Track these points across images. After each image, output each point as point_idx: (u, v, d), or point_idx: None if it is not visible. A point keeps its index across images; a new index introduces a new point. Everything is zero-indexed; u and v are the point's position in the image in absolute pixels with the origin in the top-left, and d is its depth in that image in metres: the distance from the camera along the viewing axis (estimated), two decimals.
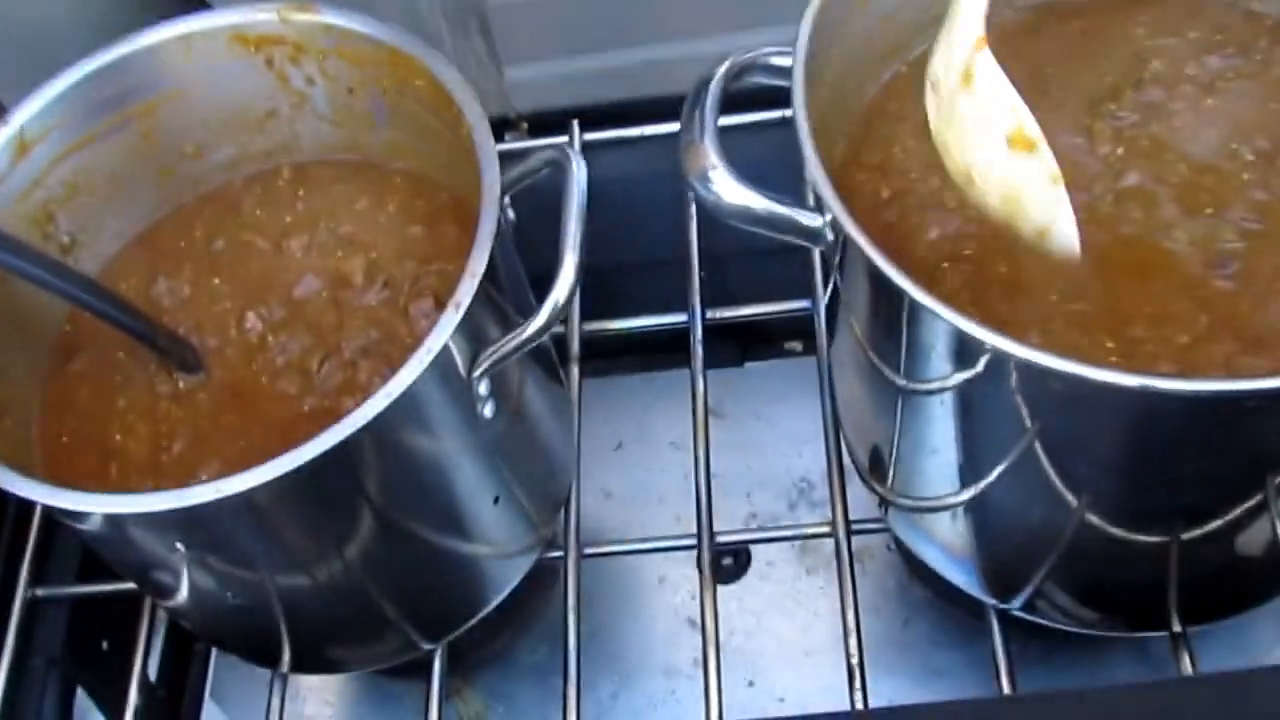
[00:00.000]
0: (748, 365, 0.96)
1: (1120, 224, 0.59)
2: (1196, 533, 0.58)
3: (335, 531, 0.59)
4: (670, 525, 0.89)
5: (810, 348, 0.94)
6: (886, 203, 0.60)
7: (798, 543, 0.88)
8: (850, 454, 0.72)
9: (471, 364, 0.58)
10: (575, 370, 0.78)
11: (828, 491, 0.87)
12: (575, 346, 0.79)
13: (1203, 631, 0.66)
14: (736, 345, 0.96)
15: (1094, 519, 0.58)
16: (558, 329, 0.79)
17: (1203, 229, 0.59)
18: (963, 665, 0.81)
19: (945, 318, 0.49)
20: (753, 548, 0.88)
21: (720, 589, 0.76)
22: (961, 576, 0.67)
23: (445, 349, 0.54)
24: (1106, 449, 0.55)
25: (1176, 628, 0.65)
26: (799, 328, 0.94)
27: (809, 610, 0.85)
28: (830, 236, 0.55)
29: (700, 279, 0.81)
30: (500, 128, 0.91)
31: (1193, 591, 0.63)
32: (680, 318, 0.80)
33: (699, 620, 0.84)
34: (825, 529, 0.73)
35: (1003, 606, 0.67)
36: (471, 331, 0.56)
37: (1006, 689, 0.67)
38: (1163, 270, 0.58)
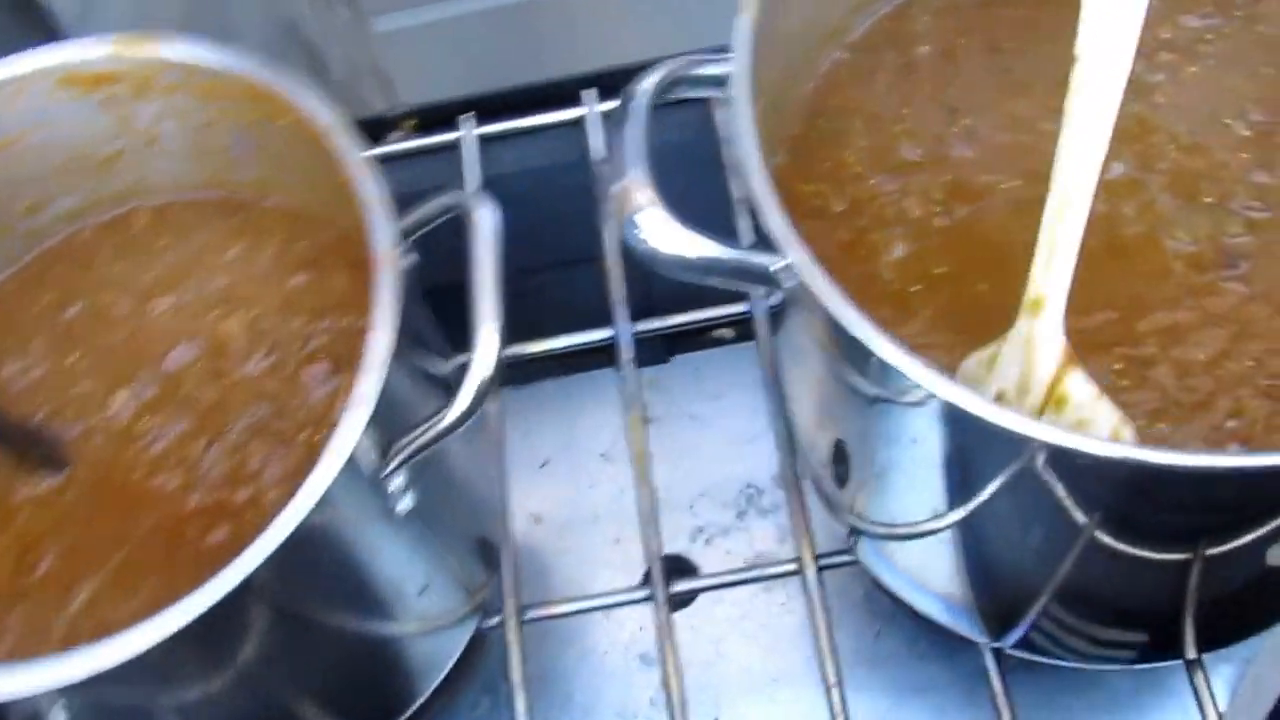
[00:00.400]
0: (675, 359, 0.87)
1: (1112, 223, 0.52)
2: (1223, 548, 0.51)
3: (240, 661, 0.51)
4: (609, 549, 0.82)
5: (744, 334, 0.87)
6: (840, 218, 0.53)
7: (753, 555, 0.81)
8: (813, 481, 0.65)
9: (384, 457, 0.49)
10: (496, 408, 0.69)
11: (778, 498, 0.82)
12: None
13: None
14: (661, 338, 0.87)
15: (1105, 538, 0.50)
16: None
17: (1204, 223, 0.52)
18: (946, 679, 0.75)
19: (939, 394, 0.41)
20: (703, 567, 0.81)
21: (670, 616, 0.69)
22: (948, 613, 0.61)
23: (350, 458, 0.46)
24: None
25: (1192, 654, 0.59)
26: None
27: (771, 632, 0.78)
28: (790, 283, 0.47)
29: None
30: (382, 127, 0.82)
31: (1212, 613, 0.57)
32: (607, 333, 0.72)
33: (653, 654, 0.79)
34: (791, 566, 0.66)
35: (996, 645, 0.60)
36: (380, 423, 0.48)
37: None
38: (1166, 275, 0.51)
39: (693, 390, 0.86)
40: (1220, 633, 0.59)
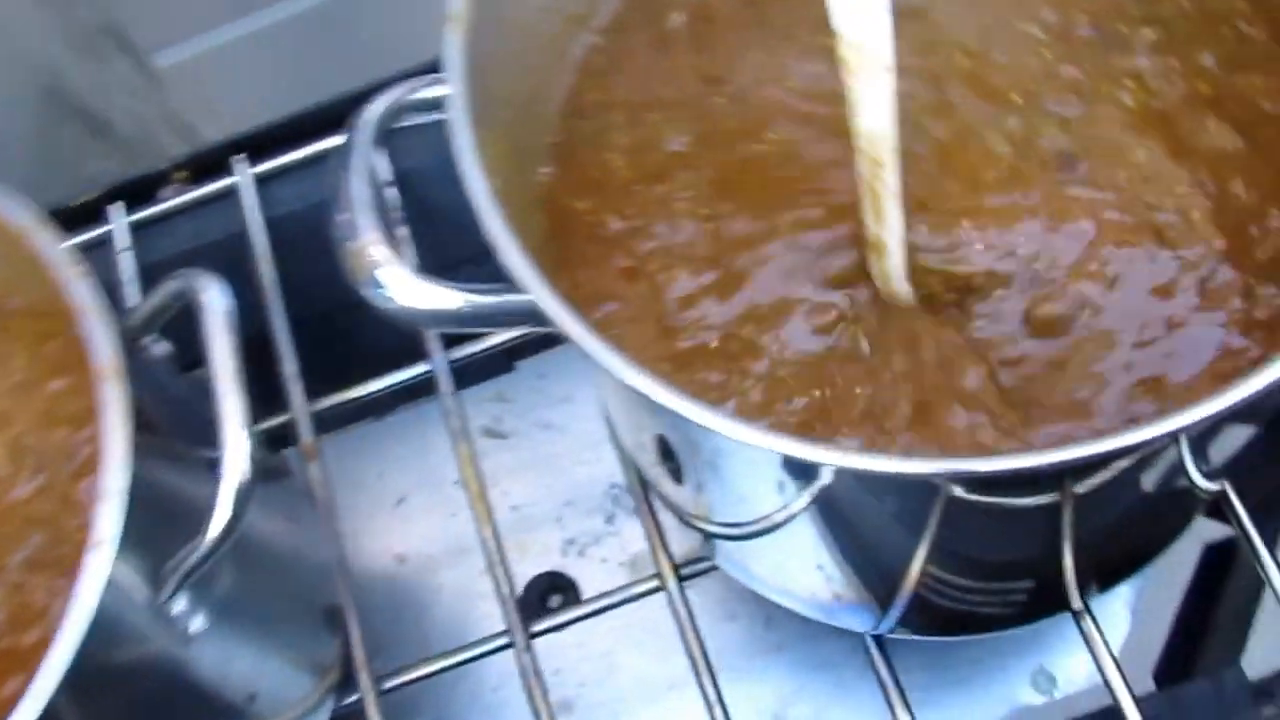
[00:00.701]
0: (517, 366, 0.83)
1: (932, 146, 0.48)
2: (1093, 482, 0.47)
3: None
4: (482, 578, 0.76)
5: None
6: (619, 238, 0.48)
7: (628, 559, 0.77)
8: (654, 487, 0.60)
9: (156, 584, 0.44)
10: (316, 472, 0.64)
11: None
12: (308, 435, 0.66)
13: None
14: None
15: (962, 492, 0.46)
16: (279, 417, 0.66)
17: (1019, 127, 0.48)
18: (844, 653, 0.72)
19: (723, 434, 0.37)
20: (580, 580, 0.77)
21: (555, 637, 0.65)
22: (818, 610, 0.57)
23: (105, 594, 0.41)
24: None
25: (1077, 605, 0.55)
26: None
27: (658, 636, 0.74)
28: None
29: None
30: (156, 184, 0.76)
31: (1090, 557, 0.53)
32: (423, 368, 0.67)
33: (548, 680, 0.74)
34: (653, 584, 0.62)
35: (876, 633, 0.57)
36: (140, 550, 0.43)
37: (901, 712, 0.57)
38: (1007, 185, 0.47)
39: (541, 397, 0.82)
40: (1102, 577, 0.56)
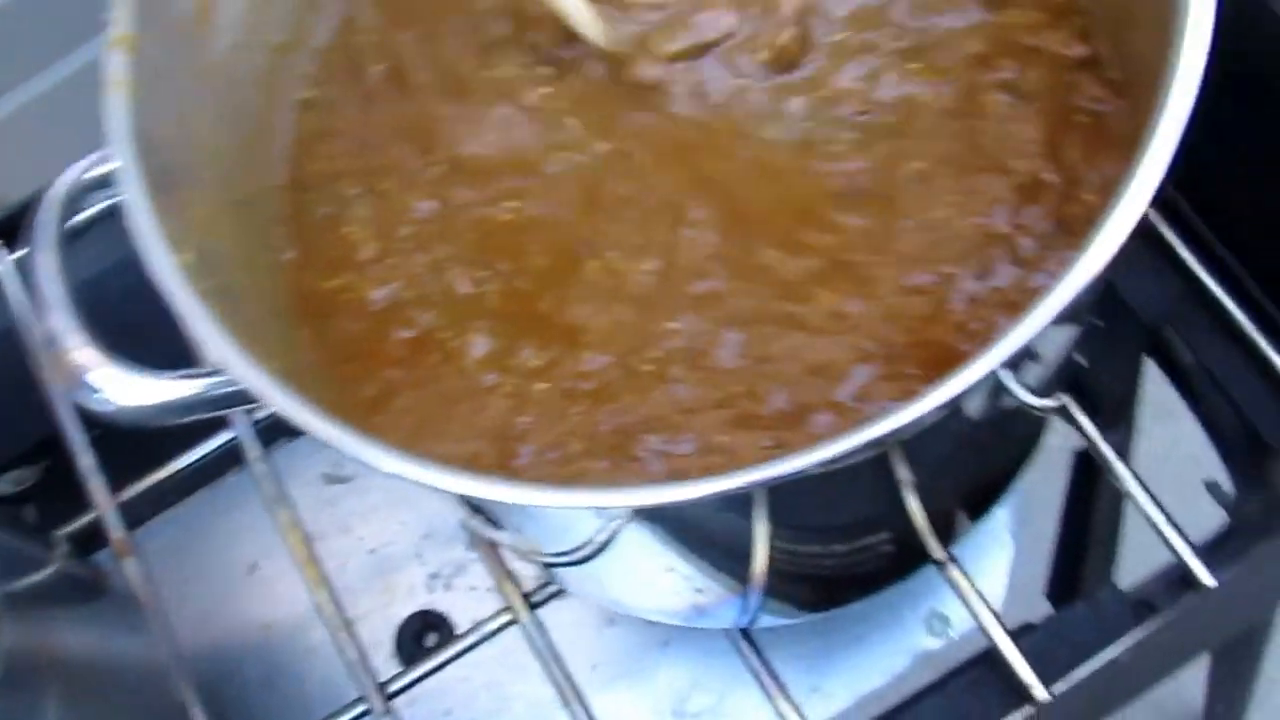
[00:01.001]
0: None
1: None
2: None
3: None
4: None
5: None
6: (390, 315, 0.44)
7: (496, 584, 0.73)
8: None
9: None
10: (133, 568, 0.59)
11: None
12: (118, 531, 0.61)
13: None
14: None
15: None
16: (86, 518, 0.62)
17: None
18: (733, 635, 0.69)
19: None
20: (452, 613, 0.73)
21: (439, 676, 0.62)
22: (677, 616, 0.54)
23: None
24: None
25: (938, 554, 0.52)
26: None
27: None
28: None
29: None
30: None
31: (941, 498, 0.51)
32: (228, 435, 0.63)
33: None
34: (508, 618, 0.58)
35: (744, 626, 0.54)
36: None
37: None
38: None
39: None
40: (968, 510, 0.53)
